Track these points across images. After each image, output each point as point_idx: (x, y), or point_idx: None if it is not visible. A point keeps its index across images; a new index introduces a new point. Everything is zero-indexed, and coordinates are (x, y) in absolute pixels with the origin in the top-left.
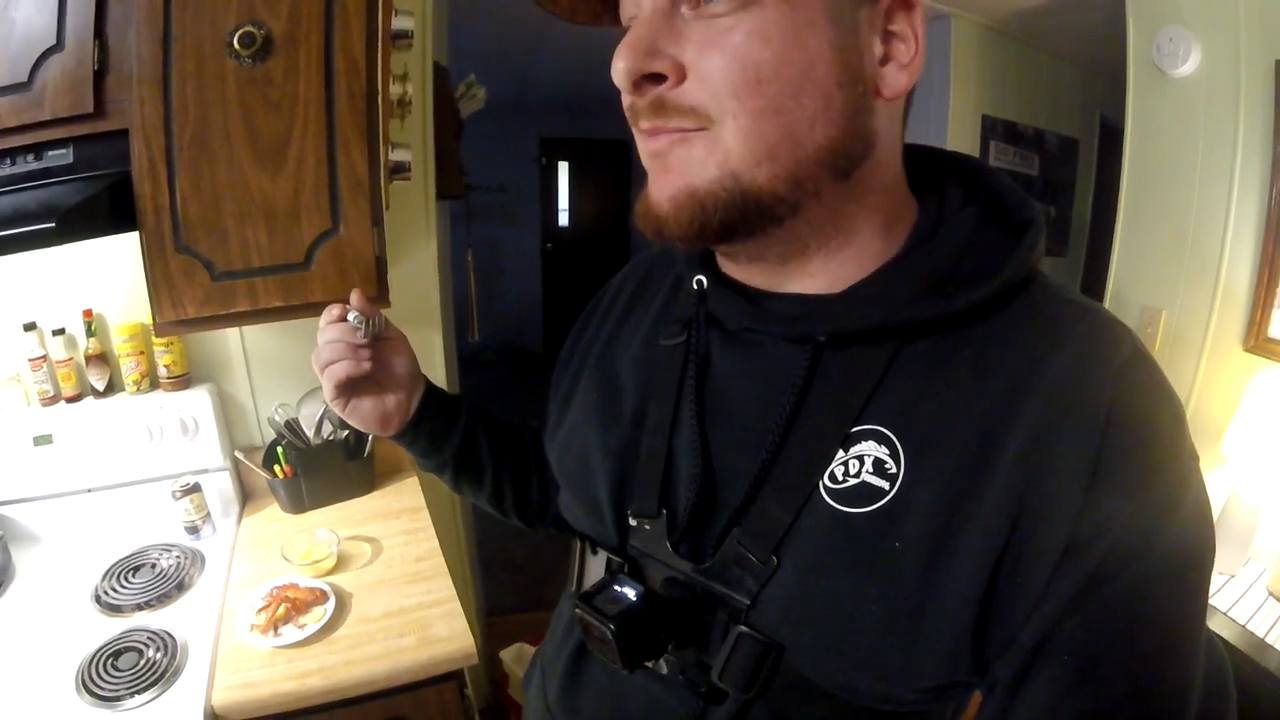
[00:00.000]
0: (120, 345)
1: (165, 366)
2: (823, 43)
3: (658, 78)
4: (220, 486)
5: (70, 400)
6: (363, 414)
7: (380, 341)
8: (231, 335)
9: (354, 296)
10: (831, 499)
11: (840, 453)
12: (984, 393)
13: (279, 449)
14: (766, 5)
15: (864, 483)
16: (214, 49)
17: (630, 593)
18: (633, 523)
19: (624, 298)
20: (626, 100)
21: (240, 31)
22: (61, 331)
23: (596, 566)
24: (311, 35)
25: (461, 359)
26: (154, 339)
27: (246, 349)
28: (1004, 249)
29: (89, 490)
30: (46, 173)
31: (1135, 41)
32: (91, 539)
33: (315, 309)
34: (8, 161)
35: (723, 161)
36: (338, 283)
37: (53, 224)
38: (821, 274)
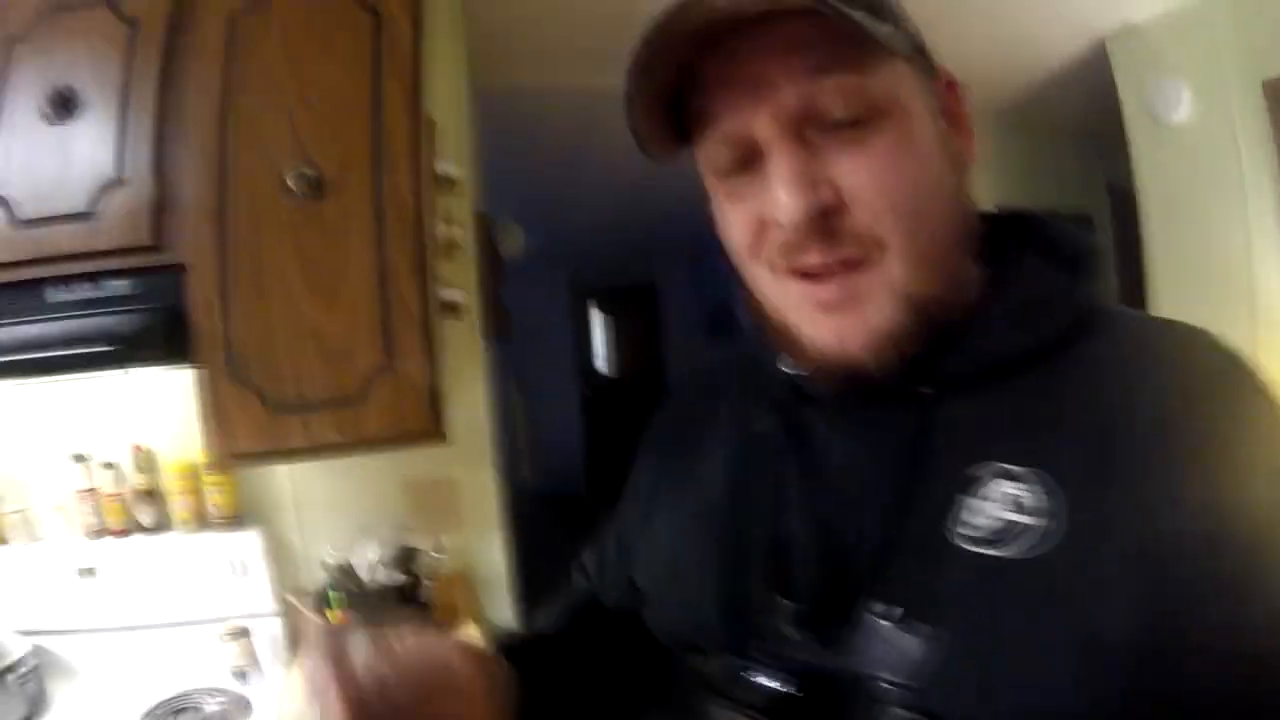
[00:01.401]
0: (170, 482)
1: (215, 506)
2: (932, 140)
3: (824, 209)
4: (270, 631)
5: (117, 534)
6: None
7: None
8: (281, 475)
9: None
10: (973, 546)
11: (969, 498)
12: (1096, 412)
13: (331, 594)
14: (898, 121)
15: (1005, 521)
16: (269, 187)
17: (768, 680)
18: (752, 617)
19: (685, 414)
20: (780, 238)
21: (295, 174)
22: (111, 465)
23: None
24: (362, 176)
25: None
26: (205, 478)
27: (297, 489)
28: (1069, 281)
29: (132, 628)
30: (104, 301)
31: (1127, 99)
32: (133, 677)
33: (371, 445)
34: (66, 288)
35: (897, 291)
36: (393, 417)
37: (108, 349)
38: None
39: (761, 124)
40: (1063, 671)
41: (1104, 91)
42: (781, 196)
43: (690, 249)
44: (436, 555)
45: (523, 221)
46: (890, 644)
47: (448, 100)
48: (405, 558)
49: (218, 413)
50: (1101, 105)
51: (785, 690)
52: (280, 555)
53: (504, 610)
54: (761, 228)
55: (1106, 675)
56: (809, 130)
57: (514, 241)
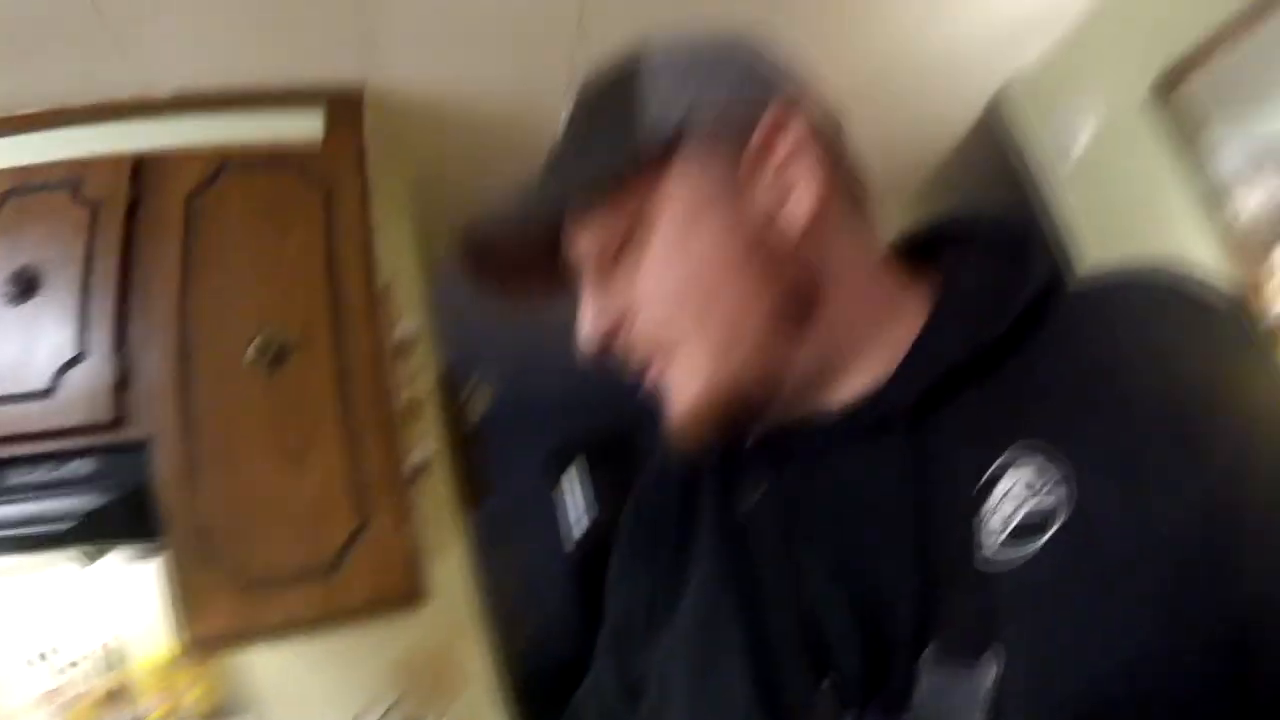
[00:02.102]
0: (143, 680)
1: (194, 702)
2: (708, 235)
3: (617, 331)
4: None
5: None
6: None
7: None
8: (265, 667)
9: None
10: (1007, 550)
11: (985, 506)
12: (1079, 384)
13: None
14: (651, 234)
15: (1026, 513)
16: (232, 358)
17: None
18: (796, 712)
19: (653, 511)
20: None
21: (258, 342)
22: (76, 664)
23: None
24: (323, 342)
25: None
26: (179, 673)
27: (283, 680)
28: (1014, 269)
29: None
30: (66, 481)
31: (1030, 147)
32: None
33: (350, 615)
34: (27, 468)
35: (698, 372)
36: (373, 583)
37: (70, 526)
38: (862, 375)
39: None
40: (1128, 637)
41: (990, 161)
42: (580, 335)
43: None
44: None
45: (493, 380)
46: (959, 684)
47: (403, 264)
48: None
49: (186, 594)
50: (1001, 165)
51: None
52: None
53: None
54: None
55: (1168, 628)
56: (604, 267)
57: (482, 399)
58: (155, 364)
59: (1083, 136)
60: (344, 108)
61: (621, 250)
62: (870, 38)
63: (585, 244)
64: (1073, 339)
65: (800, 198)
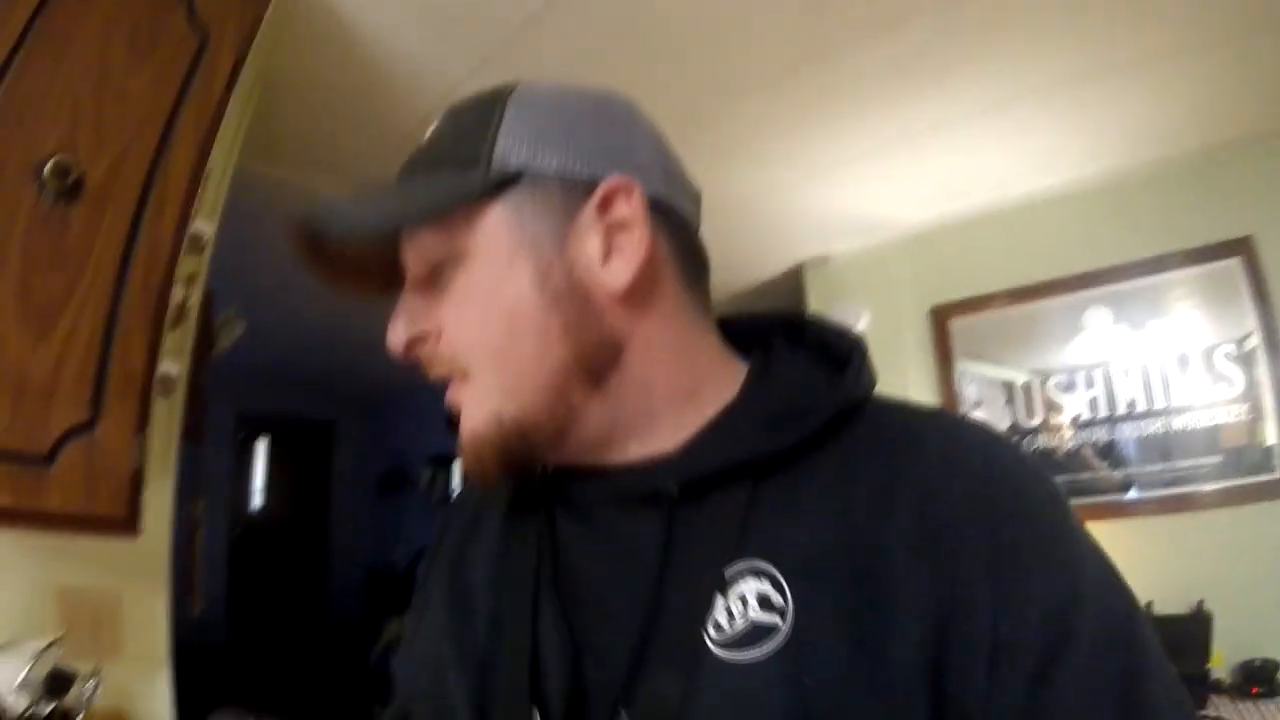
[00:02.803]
0: None
1: None
2: (521, 279)
3: (423, 340)
4: None
5: None
6: None
7: None
8: None
9: None
10: (723, 650)
11: (719, 599)
12: (853, 508)
13: None
14: (468, 263)
15: (752, 622)
16: (20, 168)
17: None
18: None
19: (470, 507)
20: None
21: (55, 161)
22: None
23: None
24: (125, 194)
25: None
26: None
27: None
28: (833, 380)
29: None
30: None
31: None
32: None
33: (47, 521)
34: None
35: (484, 404)
36: (82, 492)
37: None
38: (650, 442)
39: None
40: None
41: (776, 308)
42: (388, 334)
43: (371, 397)
44: (92, 685)
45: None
46: None
47: (224, 162)
48: (56, 684)
49: None
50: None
51: None
52: None
53: None
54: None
55: None
56: (422, 282)
57: (231, 333)
58: None
59: (860, 326)
60: None
61: (440, 271)
62: (728, 181)
63: (408, 257)
64: (852, 469)
65: (621, 265)
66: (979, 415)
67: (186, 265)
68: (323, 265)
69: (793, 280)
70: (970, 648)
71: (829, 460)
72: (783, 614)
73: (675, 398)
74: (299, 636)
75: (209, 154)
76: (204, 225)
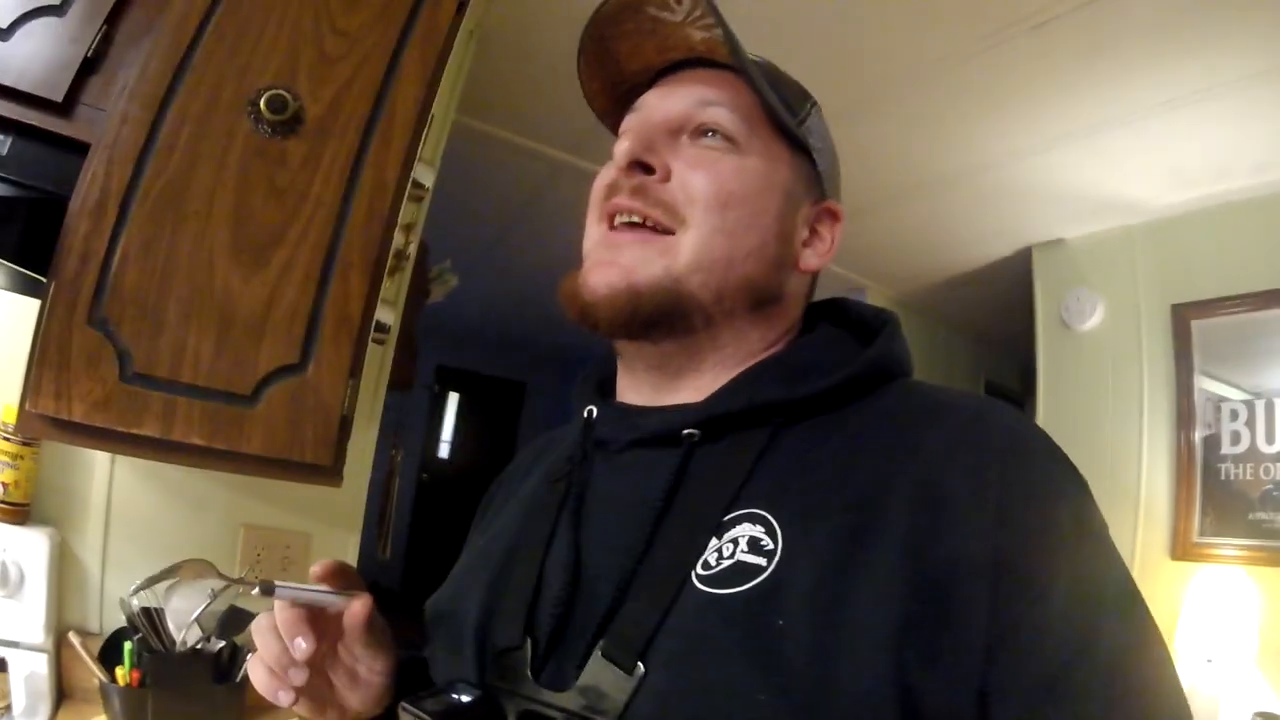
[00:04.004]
0: None
1: (4, 485)
2: (777, 202)
3: (648, 170)
4: (31, 671)
5: None
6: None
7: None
8: (99, 470)
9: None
10: (704, 585)
11: (714, 540)
12: (861, 465)
13: (126, 644)
14: (748, 154)
15: (739, 562)
16: (234, 99)
17: (464, 696)
18: (497, 655)
19: (523, 468)
20: (609, 177)
21: (271, 93)
22: None
23: None
24: (348, 132)
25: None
26: (1, 441)
27: (114, 495)
28: (855, 346)
29: None
30: None
31: (1043, 304)
32: None
33: (245, 463)
34: None
35: (670, 265)
36: (286, 435)
37: None
38: (706, 388)
39: (656, 112)
40: (746, 708)
41: (1017, 296)
42: (623, 143)
43: (563, 359)
44: None
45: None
46: (606, 684)
47: (439, 107)
48: (231, 622)
49: (59, 358)
50: (1003, 311)
51: (465, 704)
52: (71, 574)
53: None
54: (610, 188)
55: (790, 701)
56: (685, 135)
57: (445, 286)
58: (140, 63)
59: (1094, 320)
60: None
61: (713, 135)
62: (950, 152)
63: (698, 105)
64: (871, 429)
65: (812, 256)
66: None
67: (406, 212)
68: (605, 44)
69: (1021, 264)
70: (964, 617)
71: (851, 420)
72: (770, 557)
73: (760, 352)
74: None
75: (434, 96)
76: (424, 173)
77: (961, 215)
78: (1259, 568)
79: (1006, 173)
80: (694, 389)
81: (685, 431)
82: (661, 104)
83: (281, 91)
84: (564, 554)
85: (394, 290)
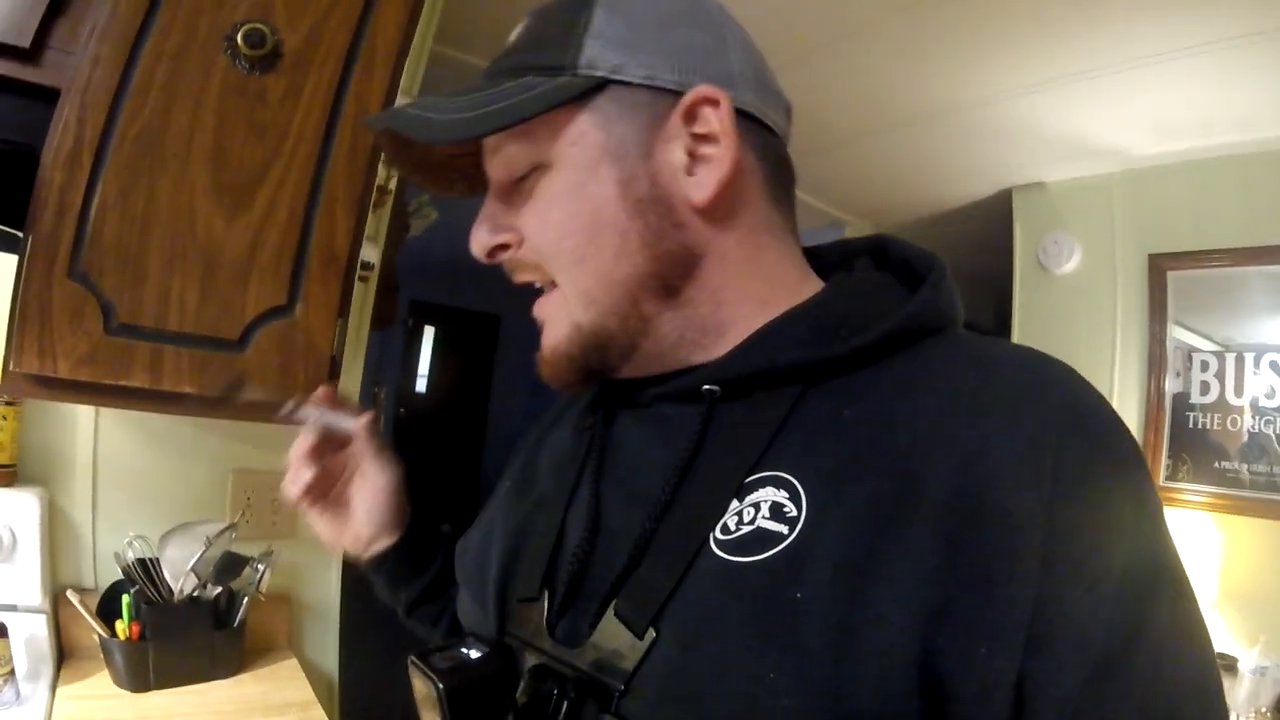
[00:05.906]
0: None
1: None
2: (605, 186)
3: (506, 247)
4: (31, 633)
5: None
6: (333, 524)
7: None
8: (83, 425)
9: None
10: (721, 550)
11: (735, 503)
12: (897, 428)
13: (125, 597)
14: (553, 169)
15: (759, 529)
16: (210, 35)
17: (474, 652)
18: (515, 606)
19: (561, 403)
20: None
21: (248, 27)
22: None
23: None
24: (328, 63)
25: None
26: None
27: (101, 452)
28: (905, 299)
29: None
30: None
31: (1021, 245)
32: None
33: (235, 411)
34: None
35: (568, 314)
36: (277, 379)
37: None
38: (715, 351)
39: (490, 186)
40: (760, 677)
41: (997, 236)
42: (472, 237)
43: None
44: (261, 568)
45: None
46: (618, 644)
47: (417, 37)
48: (227, 567)
49: (40, 314)
50: (986, 249)
51: (474, 661)
52: (62, 533)
53: (328, 646)
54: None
55: (805, 683)
56: (507, 187)
57: (424, 220)
58: (110, 2)
59: (1071, 264)
60: None
61: (523, 177)
62: (932, 85)
63: (491, 163)
64: (910, 389)
65: (705, 176)
66: (1175, 383)
67: None
68: (410, 167)
69: (1001, 205)
70: (1007, 598)
71: (889, 377)
72: (793, 524)
73: (746, 310)
74: (454, 519)
75: (417, 21)
76: (404, 102)
77: (945, 153)
78: (1222, 514)
79: (991, 112)
80: (703, 354)
81: (705, 388)
82: (489, 176)
83: (259, 25)
84: (587, 507)
85: (376, 226)
